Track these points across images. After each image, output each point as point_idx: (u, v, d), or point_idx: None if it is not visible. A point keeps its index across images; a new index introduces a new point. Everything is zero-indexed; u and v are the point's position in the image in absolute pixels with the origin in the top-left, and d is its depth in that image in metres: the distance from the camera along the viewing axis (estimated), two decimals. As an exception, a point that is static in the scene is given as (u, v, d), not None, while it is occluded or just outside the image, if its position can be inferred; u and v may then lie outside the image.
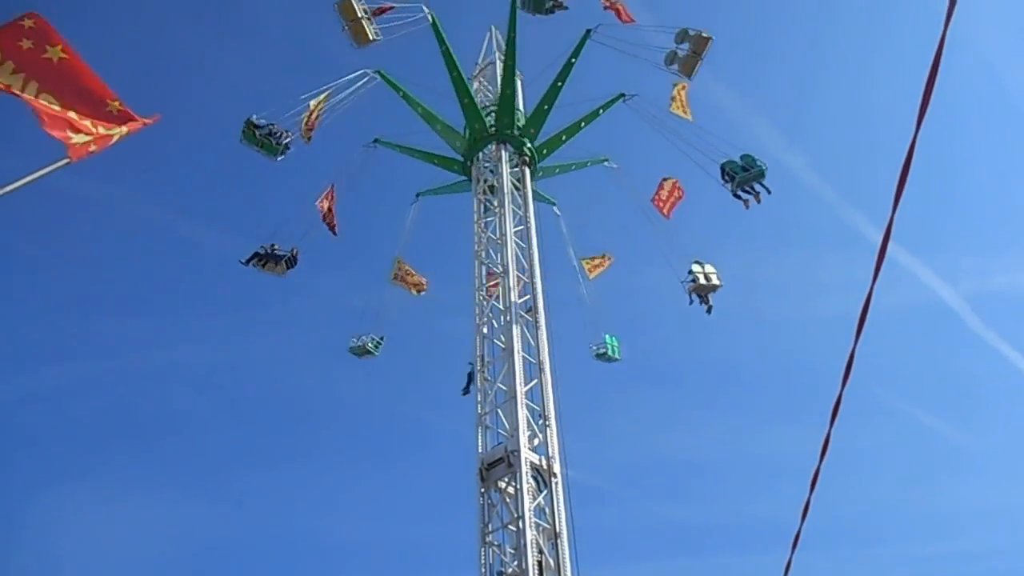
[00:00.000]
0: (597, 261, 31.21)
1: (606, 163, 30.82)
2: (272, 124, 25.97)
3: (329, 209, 27.77)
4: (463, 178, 28.02)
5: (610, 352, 29.44)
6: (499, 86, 27.71)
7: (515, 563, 16.91)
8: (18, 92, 8.51)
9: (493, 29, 32.91)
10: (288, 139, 26.05)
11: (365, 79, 27.32)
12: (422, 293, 30.88)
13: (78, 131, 8.84)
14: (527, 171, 26.35)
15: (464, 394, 26.25)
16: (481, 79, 31.28)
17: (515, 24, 26.56)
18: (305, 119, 25.84)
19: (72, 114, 9.02)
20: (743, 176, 25.78)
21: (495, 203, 24.75)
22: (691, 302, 25.99)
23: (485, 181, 26.01)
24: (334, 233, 28.17)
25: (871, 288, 5.91)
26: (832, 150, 68.92)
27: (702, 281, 26.17)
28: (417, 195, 30.59)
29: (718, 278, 26.45)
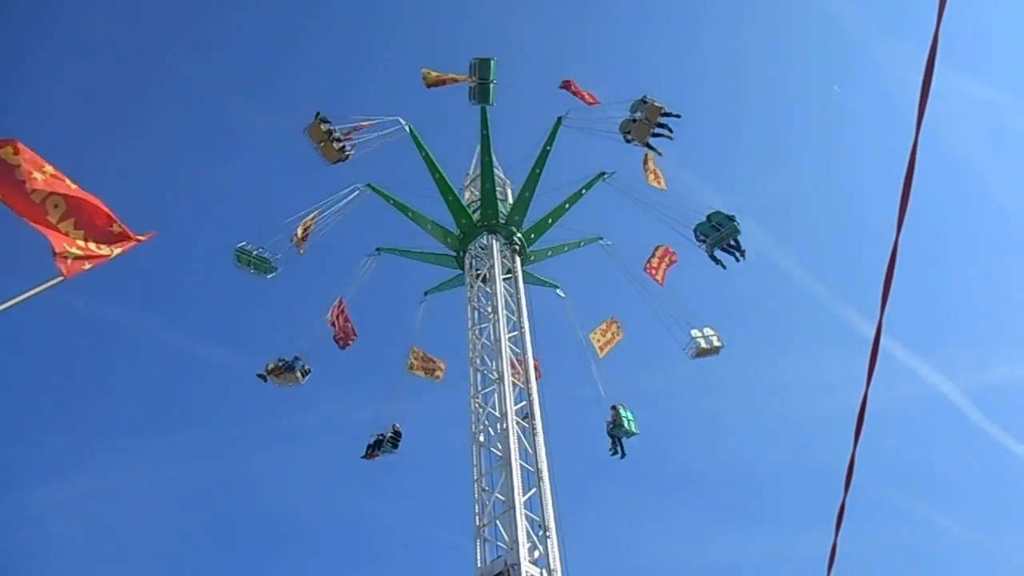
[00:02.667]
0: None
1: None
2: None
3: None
4: (459, 271, 28.83)
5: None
6: (480, 181, 29.00)
7: None
8: (29, 190, 8.81)
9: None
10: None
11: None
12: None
13: (70, 245, 8.99)
14: (518, 260, 27.21)
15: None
16: (473, 189, 32.18)
17: (486, 122, 28.49)
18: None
19: (71, 228, 9.21)
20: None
21: (489, 308, 24.89)
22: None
23: (477, 274, 26.66)
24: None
25: (866, 389, 5.86)
26: (820, 248, 70.10)
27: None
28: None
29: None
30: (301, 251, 27.12)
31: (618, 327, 30.47)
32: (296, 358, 27.84)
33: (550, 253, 30.39)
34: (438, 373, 30.55)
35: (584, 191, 29.51)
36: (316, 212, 27.59)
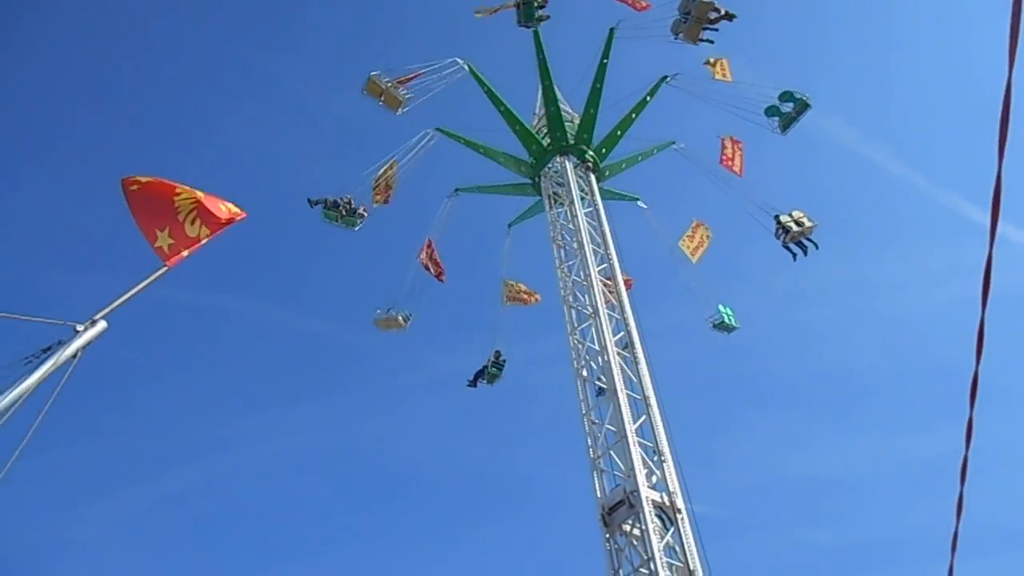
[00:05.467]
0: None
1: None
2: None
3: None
4: (537, 197, 29.16)
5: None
6: (544, 105, 29.27)
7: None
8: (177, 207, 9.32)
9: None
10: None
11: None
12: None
13: (162, 231, 9.40)
14: (593, 178, 27.19)
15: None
16: (543, 128, 31.97)
17: (540, 46, 28.54)
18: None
19: (181, 214, 9.66)
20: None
21: (575, 243, 24.77)
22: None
23: (556, 199, 26.73)
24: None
25: (990, 250, 5.49)
26: (914, 135, 66.38)
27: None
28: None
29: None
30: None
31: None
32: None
33: (624, 166, 30.36)
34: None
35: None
36: (393, 162, 28.31)
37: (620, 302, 22.73)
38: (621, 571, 17.29)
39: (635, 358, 21.21)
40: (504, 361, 29.18)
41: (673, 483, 18.31)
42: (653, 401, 20.09)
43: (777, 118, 27.08)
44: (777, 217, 26.35)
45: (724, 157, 29.11)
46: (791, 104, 26.85)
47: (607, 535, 17.82)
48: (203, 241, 9.68)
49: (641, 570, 16.96)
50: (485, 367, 29.01)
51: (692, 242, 29.50)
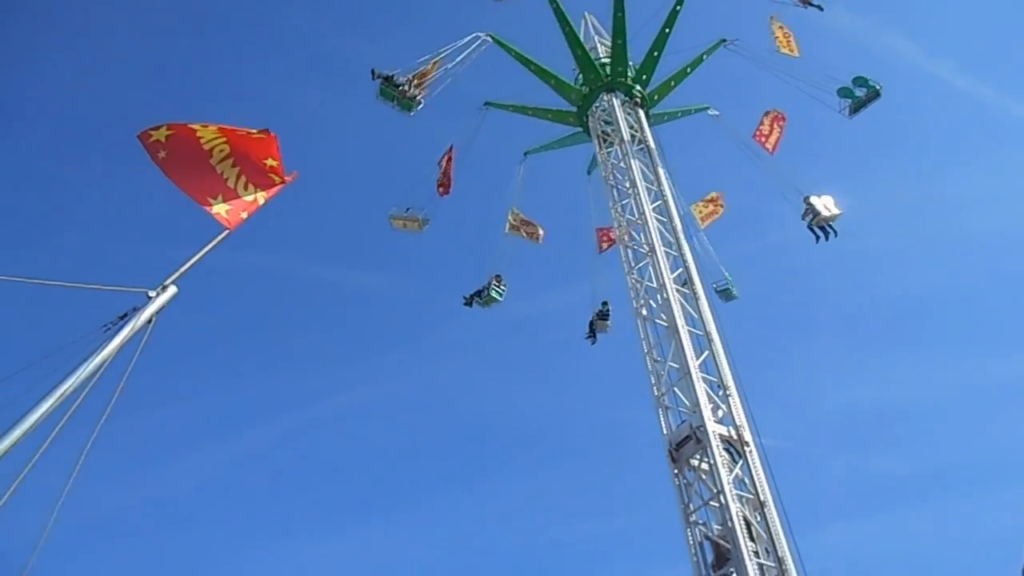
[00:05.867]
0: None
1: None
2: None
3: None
4: (577, 129, 28.73)
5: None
6: (612, 37, 28.33)
7: (724, 539, 16.44)
8: (210, 151, 9.49)
9: (587, 16, 33.09)
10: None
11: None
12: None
13: (218, 197, 9.60)
14: (643, 116, 26.79)
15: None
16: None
17: None
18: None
19: (231, 180, 9.82)
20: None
21: (627, 182, 24.49)
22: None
23: (604, 138, 26.35)
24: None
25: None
26: (979, 46, 63.09)
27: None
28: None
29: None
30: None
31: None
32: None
33: (666, 118, 29.86)
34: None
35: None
36: (437, 59, 27.61)
37: (676, 239, 22.47)
38: (691, 504, 17.45)
39: (694, 294, 21.03)
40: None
41: (739, 416, 18.28)
42: (715, 336, 19.97)
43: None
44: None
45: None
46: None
47: (675, 470, 17.96)
48: (261, 203, 9.88)
49: (711, 503, 17.08)
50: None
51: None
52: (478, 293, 28.72)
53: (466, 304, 28.92)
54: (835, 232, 26.06)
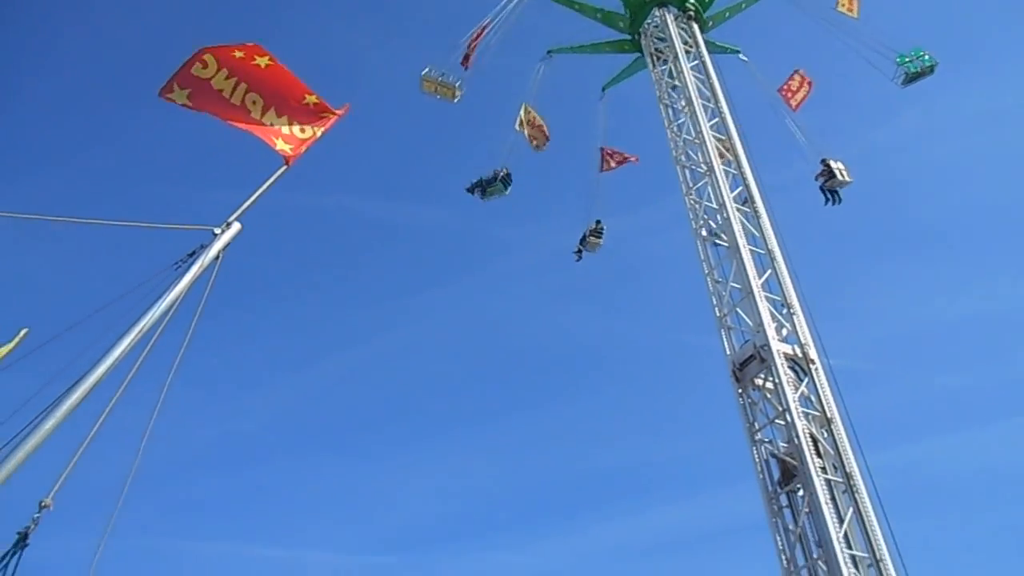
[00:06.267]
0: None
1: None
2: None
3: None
4: (637, 55, 28.08)
5: (928, 62, 27.45)
6: None
7: (790, 456, 16.43)
8: (228, 95, 9.48)
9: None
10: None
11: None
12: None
13: (279, 139, 9.65)
14: (696, 28, 26.05)
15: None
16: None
17: None
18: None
19: (274, 118, 9.85)
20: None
21: (682, 101, 23.80)
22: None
23: (659, 56, 25.78)
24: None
25: None
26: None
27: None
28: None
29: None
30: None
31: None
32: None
33: (728, 14, 28.84)
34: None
35: None
36: (483, 27, 27.67)
37: (736, 156, 21.85)
38: (756, 423, 17.43)
39: (755, 212, 20.55)
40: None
41: (804, 335, 18.02)
42: (778, 254, 19.57)
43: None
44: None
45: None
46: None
47: (739, 390, 17.90)
48: (318, 136, 9.94)
49: (777, 421, 17.04)
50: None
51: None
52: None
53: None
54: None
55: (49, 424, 6.98)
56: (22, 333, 12.49)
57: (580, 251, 28.89)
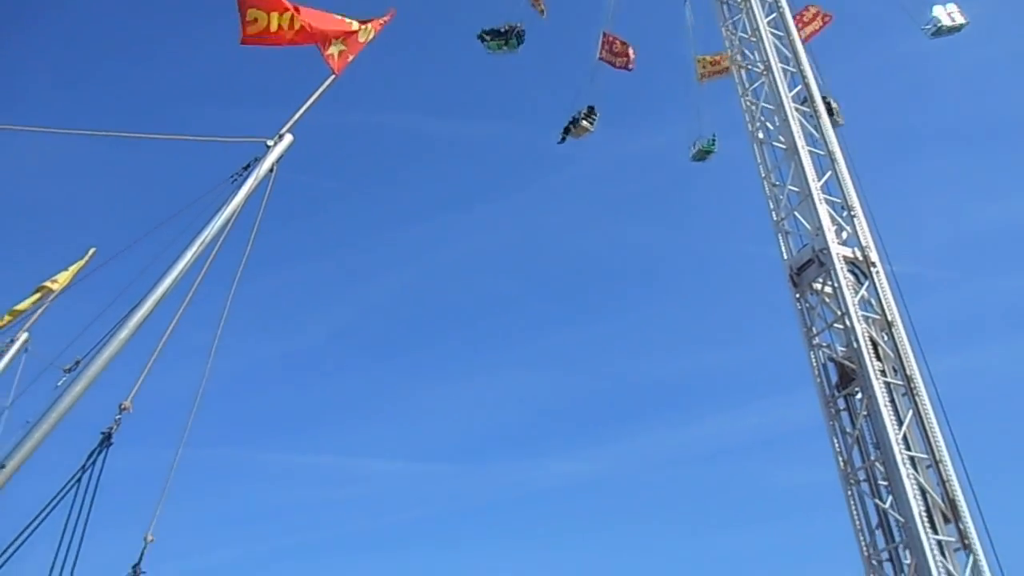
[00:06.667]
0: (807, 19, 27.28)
1: None
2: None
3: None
4: None
5: (960, 19, 25.68)
6: None
7: (849, 360, 16.27)
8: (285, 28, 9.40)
9: None
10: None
11: None
12: (629, 68, 28.48)
13: (330, 41, 9.53)
14: None
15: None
16: None
17: None
18: None
19: (323, 35, 9.72)
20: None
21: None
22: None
23: None
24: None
25: None
26: None
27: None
28: None
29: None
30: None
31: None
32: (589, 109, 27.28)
33: None
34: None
35: None
36: None
37: (795, 53, 20.88)
38: (814, 328, 17.24)
39: (815, 112, 19.76)
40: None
41: (865, 237, 17.56)
42: (838, 154, 18.90)
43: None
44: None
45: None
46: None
47: (797, 295, 17.66)
48: (367, 40, 9.81)
49: (835, 325, 16.82)
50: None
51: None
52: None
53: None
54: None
55: (124, 334, 7.26)
56: (90, 252, 12.92)
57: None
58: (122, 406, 6.44)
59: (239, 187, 8.50)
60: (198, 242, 7.87)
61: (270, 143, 8.99)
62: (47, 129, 9.58)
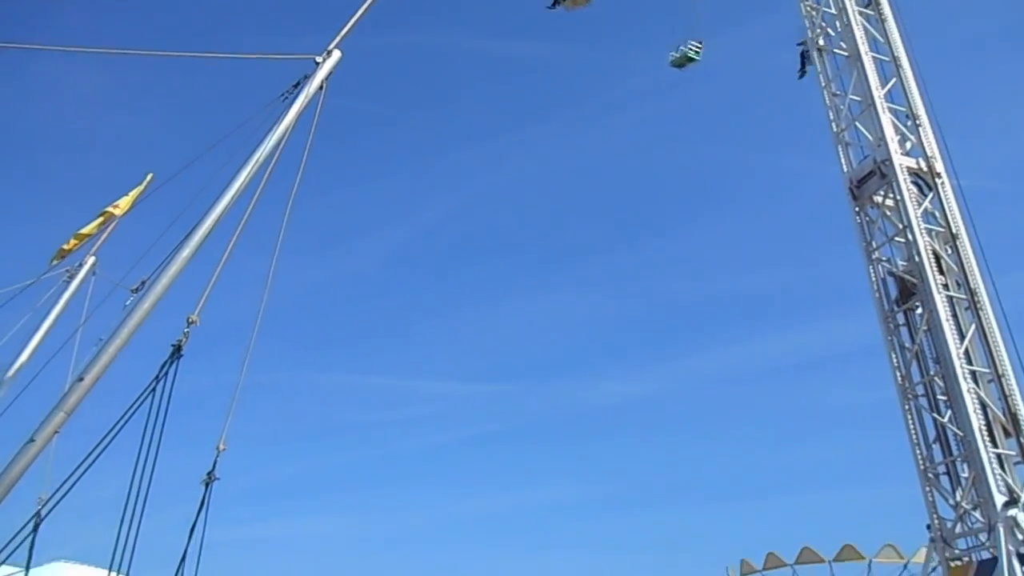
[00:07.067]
0: None
1: None
2: None
3: None
4: None
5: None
6: None
7: (910, 274, 15.86)
8: None
9: None
10: None
11: None
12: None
13: None
14: None
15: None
16: None
17: None
18: None
19: None
20: None
21: None
22: None
23: None
24: None
25: None
26: None
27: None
28: None
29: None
30: None
31: None
32: None
33: None
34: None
35: None
36: None
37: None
38: (874, 242, 16.79)
39: (880, 16, 18.74)
40: None
41: (931, 147, 16.87)
42: (904, 62, 18.00)
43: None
44: None
45: None
46: None
47: (856, 209, 17.14)
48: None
49: (897, 239, 16.35)
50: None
51: None
52: None
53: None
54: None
55: (185, 252, 7.44)
56: (148, 177, 13.14)
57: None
58: (190, 319, 6.67)
59: (290, 105, 8.50)
60: (252, 161, 7.93)
61: (319, 60, 8.91)
62: (99, 49, 9.64)
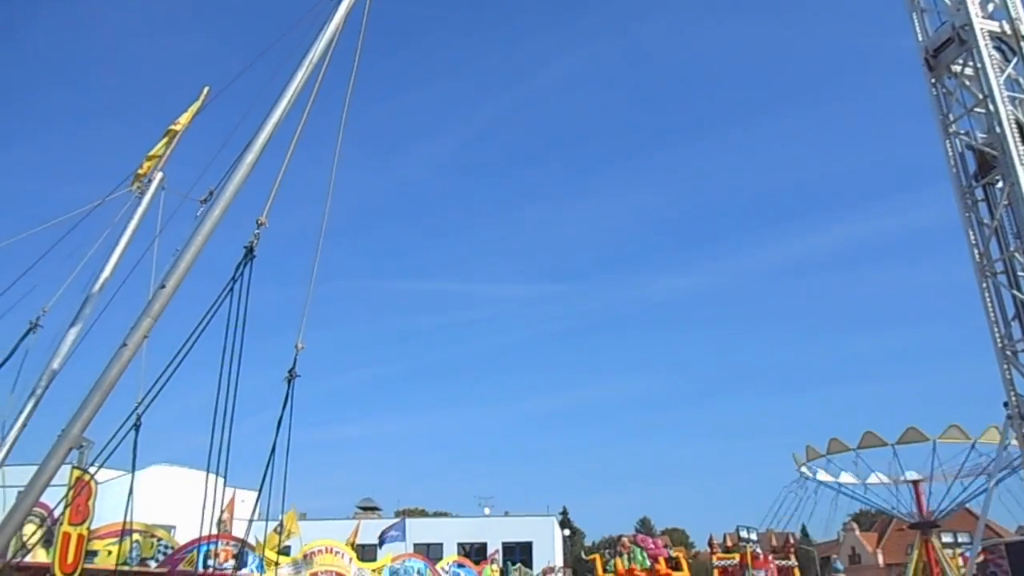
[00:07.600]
0: None
1: None
2: None
3: None
4: None
5: None
6: None
7: (990, 146, 15.05)
8: None
9: None
10: None
11: None
12: None
13: None
14: None
15: None
16: None
17: None
18: None
19: None
20: None
21: None
22: None
23: None
24: None
25: None
26: None
27: None
28: None
29: None
30: None
31: None
32: None
33: None
34: None
35: None
36: None
37: None
38: (951, 115, 15.93)
39: None
40: None
41: (1016, 8, 15.69)
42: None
43: None
44: None
45: None
46: None
47: (932, 80, 16.21)
48: None
49: (976, 110, 15.48)
50: None
51: None
52: None
53: None
54: None
55: (249, 158, 7.56)
56: (205, 91, 13.24)
57: None
58: (259, 221, 6.85)
59: (338, 4, 8.40)
60: (304, 64, 7.91)
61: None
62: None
